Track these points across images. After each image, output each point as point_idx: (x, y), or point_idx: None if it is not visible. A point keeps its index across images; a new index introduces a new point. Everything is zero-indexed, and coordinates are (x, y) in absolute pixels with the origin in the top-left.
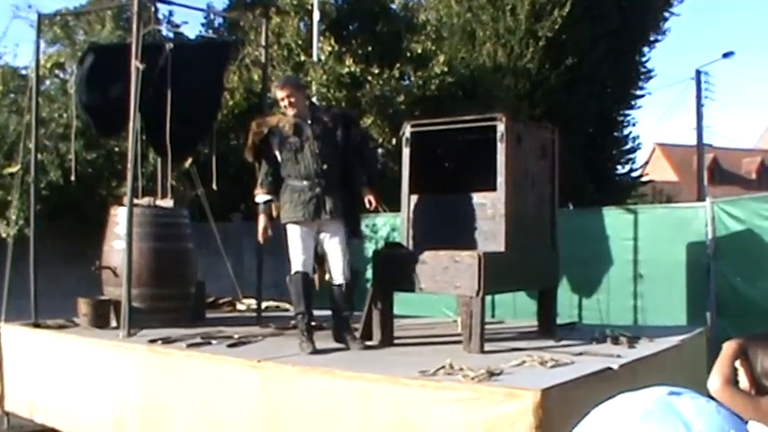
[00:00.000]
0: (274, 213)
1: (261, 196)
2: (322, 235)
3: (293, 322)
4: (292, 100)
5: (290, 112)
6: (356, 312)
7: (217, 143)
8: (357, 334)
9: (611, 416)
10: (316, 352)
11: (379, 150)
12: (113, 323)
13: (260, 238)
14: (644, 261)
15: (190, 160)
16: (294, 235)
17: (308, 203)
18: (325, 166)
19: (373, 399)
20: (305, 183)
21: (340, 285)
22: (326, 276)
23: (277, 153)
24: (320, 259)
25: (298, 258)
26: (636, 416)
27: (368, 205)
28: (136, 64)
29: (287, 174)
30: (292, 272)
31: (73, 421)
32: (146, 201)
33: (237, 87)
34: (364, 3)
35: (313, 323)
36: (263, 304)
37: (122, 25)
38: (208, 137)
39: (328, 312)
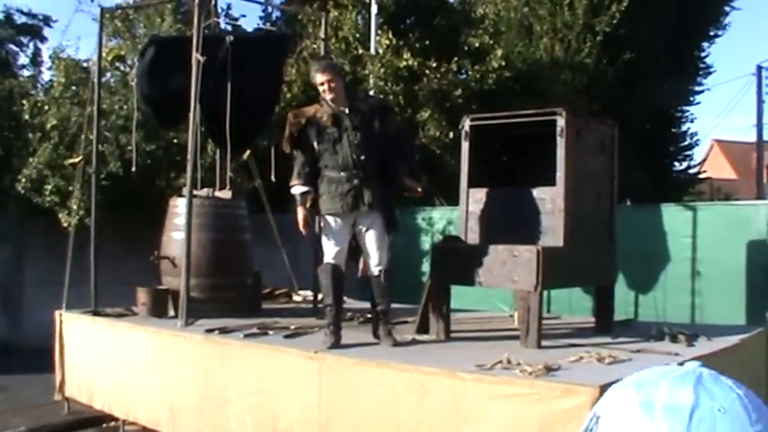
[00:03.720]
0: (308, 205)
1: (297, 188)
2: (359, 227)
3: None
4: (332, 85)
5: (329, 96)
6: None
7: (275, 135)
8: (392, 328)
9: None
10: (337, 346)
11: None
12: (171, 312)
13: (301, 229)
14: (702, 259)
15: (248, 152)
16: (330, 226)
17: (346, 195)
18: (363, 157)
19: (430, 392)
20: (342, 174)
21: (377, 277)
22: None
23: (315, 144)
24: (353, 251)
25: (330, 250)
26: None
27: (413, 193)
28: (197, 56)
29: (324, 165)
30: (324, 262)
31: (130, 408)
32: (204, 192)
33: (295, 80)
34: None
35: (343, 316)
36: (320, 296)
37: (181, 19)
38: (266, 129)
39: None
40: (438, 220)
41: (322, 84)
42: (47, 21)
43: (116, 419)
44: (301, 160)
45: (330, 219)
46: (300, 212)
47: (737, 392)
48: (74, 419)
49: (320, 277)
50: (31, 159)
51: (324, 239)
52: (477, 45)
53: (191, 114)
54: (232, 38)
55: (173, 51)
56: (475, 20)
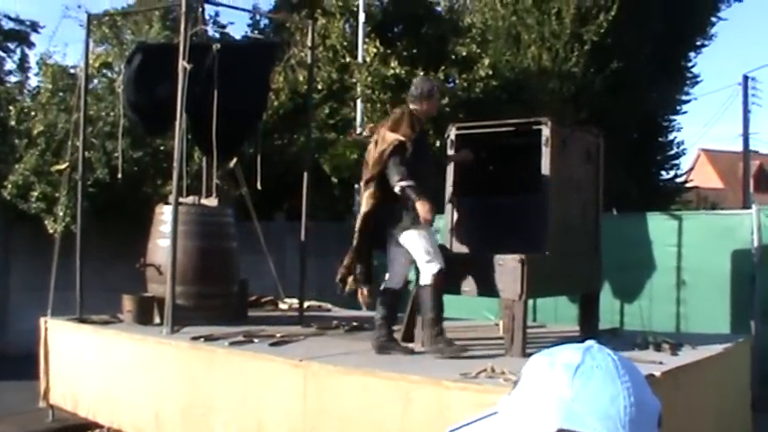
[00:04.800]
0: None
1: (406, 181)
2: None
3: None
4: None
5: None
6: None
7: (261, 143)
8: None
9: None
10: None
11: None
12: (157, 320)
13: (429, 217)
14: (687, 268)
15: (235, 159)
16: (432, 233)
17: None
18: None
19: (414, 400)
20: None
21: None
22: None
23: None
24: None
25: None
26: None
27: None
28: (183, 64)
29: (415, 174)
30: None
31: (115, 416)
32: (191, 199)
33: (283, 88)
34: (409, 5)
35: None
36: (305, 304)
37: (169, 25)
38: (253, 137)
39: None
40: None
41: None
42: (34, 26)
43: (101, 427)
44: (404, 169)
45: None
46: (424, 202)
47: (614, 357)
48: (58, 427)
49: (438, 292)
50: (17, 165)
51: (432, 245)
52: (464, 54)
53: (177, 122)
54: (219, 45)
55: (159, 58)
56: (462, 29)
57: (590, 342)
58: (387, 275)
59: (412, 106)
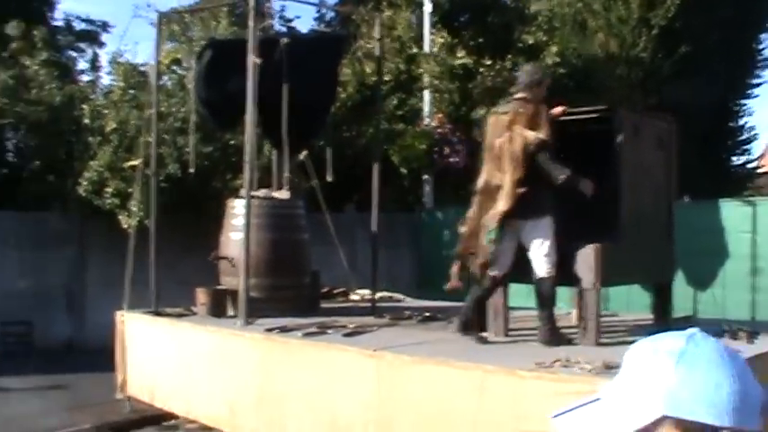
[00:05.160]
0: None
1: (565, 172)
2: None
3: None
4: None
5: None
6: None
7: (330, 135)
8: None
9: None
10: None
11: None
12: (230, 312)
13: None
14: (762, 255)
15: (305, 152)
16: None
17: None
18: None
19: (489, 390)
20: None
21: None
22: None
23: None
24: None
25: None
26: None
27: None
28: (253, 59)
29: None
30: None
31: (191, 407)
32: (263, 192)
33: (350, 80)
34: None
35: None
36: (377, 295)
37: (236, 21)
38: (323, 130)
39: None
40: None
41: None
42: (104, 27)
43: (176, 417)
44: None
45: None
46: (587, 181)
47: (717, 345)
48: (136, 418)
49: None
50: (91, 162)
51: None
52: (531, 42)
53: (247, 116)
54: (288, 39)
55: (229, 54)
56: (529, 16)
57: (693, 329)
58: (498, 263)
59: (521, 94)
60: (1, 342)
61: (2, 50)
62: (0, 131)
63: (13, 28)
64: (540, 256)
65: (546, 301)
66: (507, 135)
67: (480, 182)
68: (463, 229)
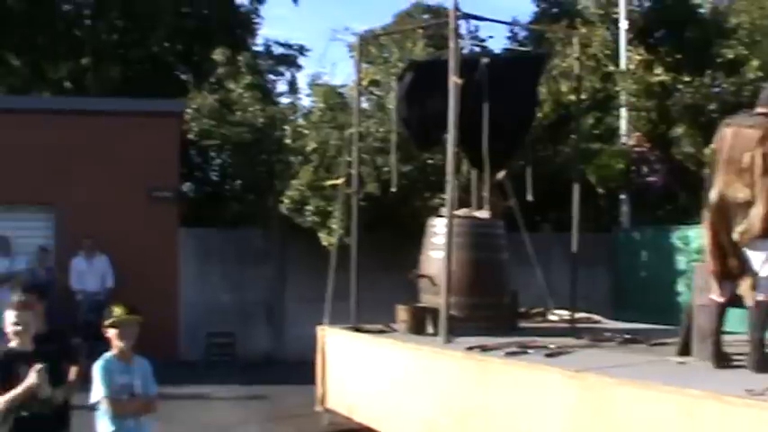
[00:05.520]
0: None
1: None
2: None
3: None
4: None
5: None
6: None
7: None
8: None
9: None
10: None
11: None
12: (429, 330)
13: None
14: None
15: (503, 172)
16: None
17: None
18: None
19: (695, 416)
20: None
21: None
22: None
23: None
24: None
25: None
26: None
27: None
28: (455, 80)
29: None
30: None
31: (390, 423)
32: (463, 212)
33: (546, 99)
34: (672, 9)
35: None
36: (576, 315)
37: (430, 42)
38: (521, 149)
39: None
40: (694, 239)
41: None
42: (302, 50)
43: None
44: None
45: None
46: None
47: None
48: (334, 431)
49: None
50: (293, 181)
51: None
52: (731, 56)
53: (449, 136)
54: (488, 59)
55: (429, 75)
56: (728, 30)
57: None
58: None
59: (763, 110)
60: (206, 352)
61: (210, 76)
62: (206, 152)
63: (219, 54)
64: (765, 278)
65: (760, 325)
66: (760, 151)
67: (713, 195)
68: (708, 247)
